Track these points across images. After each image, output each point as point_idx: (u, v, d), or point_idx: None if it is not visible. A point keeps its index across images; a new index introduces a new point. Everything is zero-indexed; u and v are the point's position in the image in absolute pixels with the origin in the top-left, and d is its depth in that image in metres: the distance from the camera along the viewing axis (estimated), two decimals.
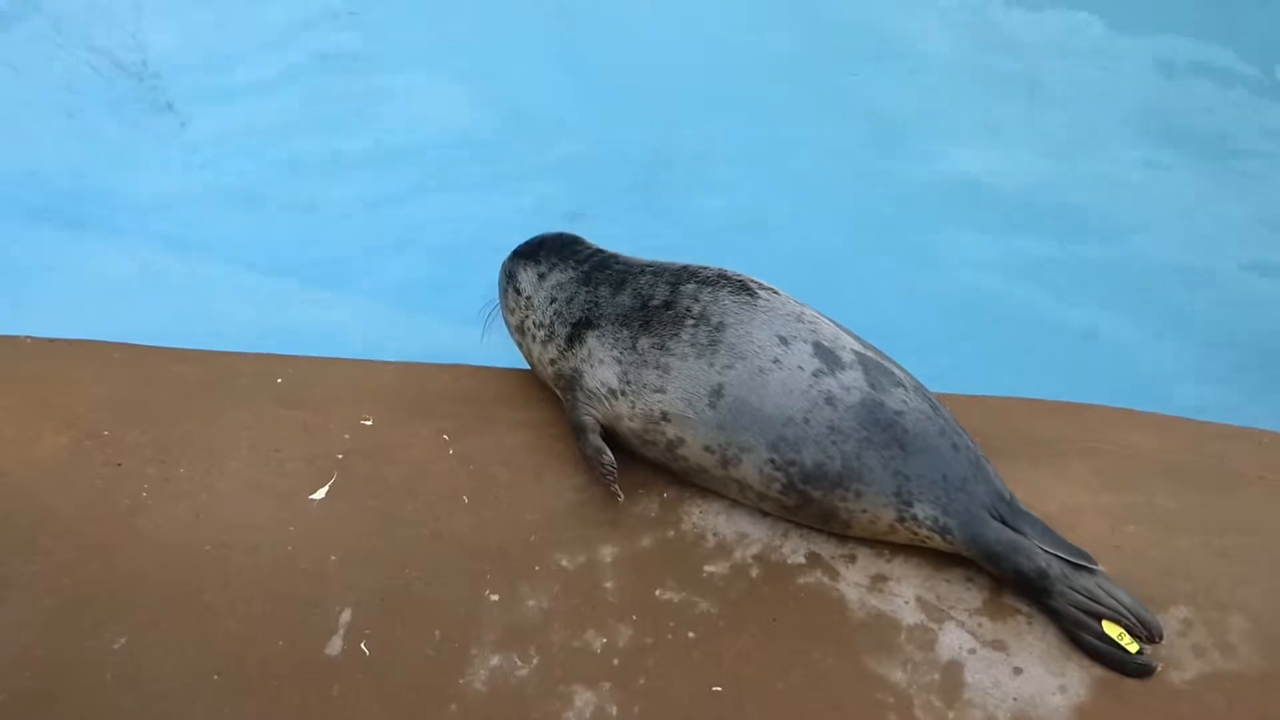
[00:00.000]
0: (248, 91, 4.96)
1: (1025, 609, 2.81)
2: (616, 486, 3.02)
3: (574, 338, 3.16)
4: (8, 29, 5.15)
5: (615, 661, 2.75)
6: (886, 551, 2.95)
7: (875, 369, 2.94)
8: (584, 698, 2.69)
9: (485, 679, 2.73)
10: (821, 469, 2.85)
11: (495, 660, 2.76)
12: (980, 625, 2.79)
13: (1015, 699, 2.64)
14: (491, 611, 2.86)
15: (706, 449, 2.96)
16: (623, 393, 3.05)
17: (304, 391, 3.45)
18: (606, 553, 2.98)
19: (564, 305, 3.21)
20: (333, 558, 2.99)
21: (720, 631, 2.80)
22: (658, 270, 3.18)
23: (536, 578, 2.93)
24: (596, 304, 3.16)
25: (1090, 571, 2.76)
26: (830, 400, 2.87)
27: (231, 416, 3.34)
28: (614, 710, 2.66)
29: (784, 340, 2.94)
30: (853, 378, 2.90)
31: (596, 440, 3.08)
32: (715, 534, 3.02)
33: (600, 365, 3.08)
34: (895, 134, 5.15)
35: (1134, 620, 2.67)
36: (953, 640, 2.76)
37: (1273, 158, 5.12)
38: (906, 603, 2.84)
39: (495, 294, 3.50)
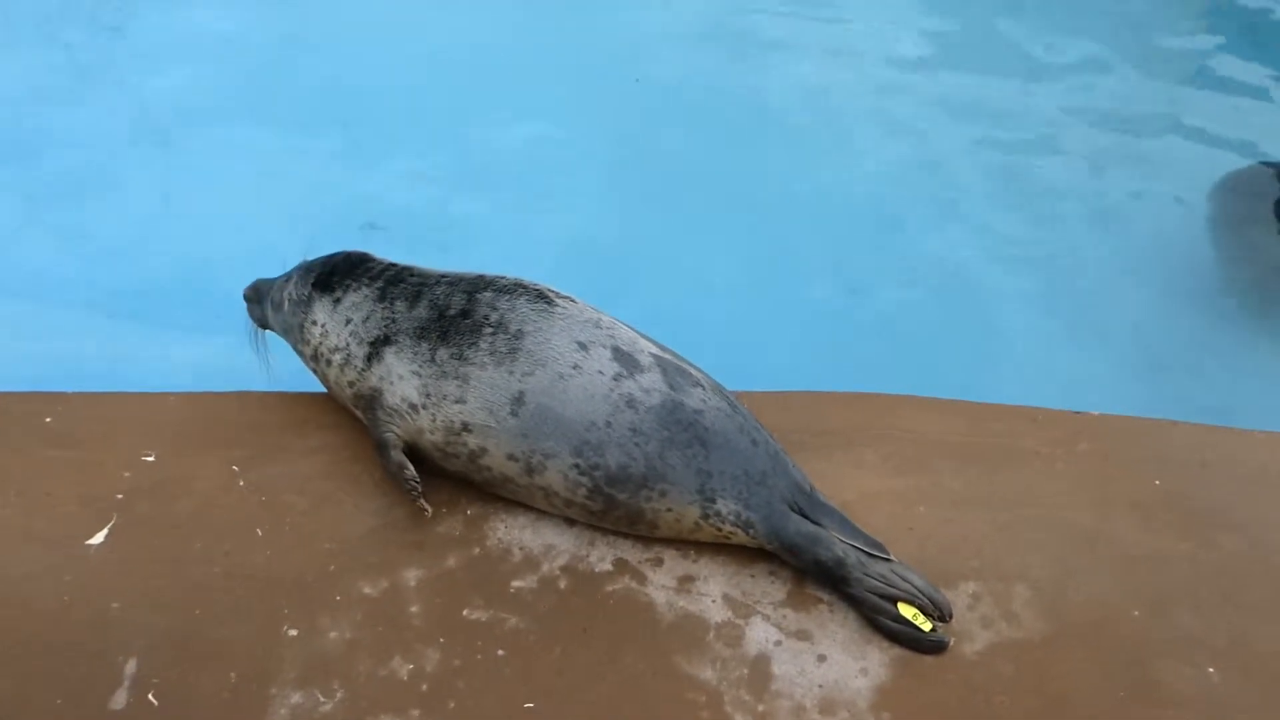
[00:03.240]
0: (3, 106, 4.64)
1: (827, 598, 2.89)
2: (423, 501, 2.95)
3: (372, 356, 3.07)
4: None
5: (424, 687, 2.68)
6: (693, 552, 2.98)
7: (673, 370, 2.97)
8: None
9: (286, 718, 2.61)
10: (626, 471, 2.86)
11: (296, 698, 2.65)
12: (785, 617, 2.85)
13: (820, 685, 2.71)
14: (291, 647, 2.74)
15: (510, 457, 2.93)
16: (424, 406, 2.99)
17: (77, 429, 3.23)
18: (411, 576, 2.91)
19: (360, 325, 3.12)
20: (115, 605, 2.80)
21: (530, 647, 2.76)
22: (454, 280, 3.13)
23: (338, 608, 2.83)
24: (393, 319, 3.08)
25: (885, 559, 2.86)
26: (631, 403, 2.88)
27: None
28: None
29: (583, 346, 2.94)
30: (652, 379, 2.92)
31: (398, 456, 3.00)
32: (522, 548, 2.98)
33: (400, 381, 3.01)
34: (690, 133, 5.23)
35: (926, 600, 2.78)
36: (759, 634, 2.80)
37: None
38: (714, 601, 2.87)
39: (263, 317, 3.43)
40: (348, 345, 3.12)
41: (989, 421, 3.47)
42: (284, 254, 3.42)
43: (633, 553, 2.98)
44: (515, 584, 2.90)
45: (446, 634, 2.78)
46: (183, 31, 5.26)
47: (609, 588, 2.90)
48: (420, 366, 3.00)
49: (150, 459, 3.15)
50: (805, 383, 3.64)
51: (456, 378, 2.95)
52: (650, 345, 3.05)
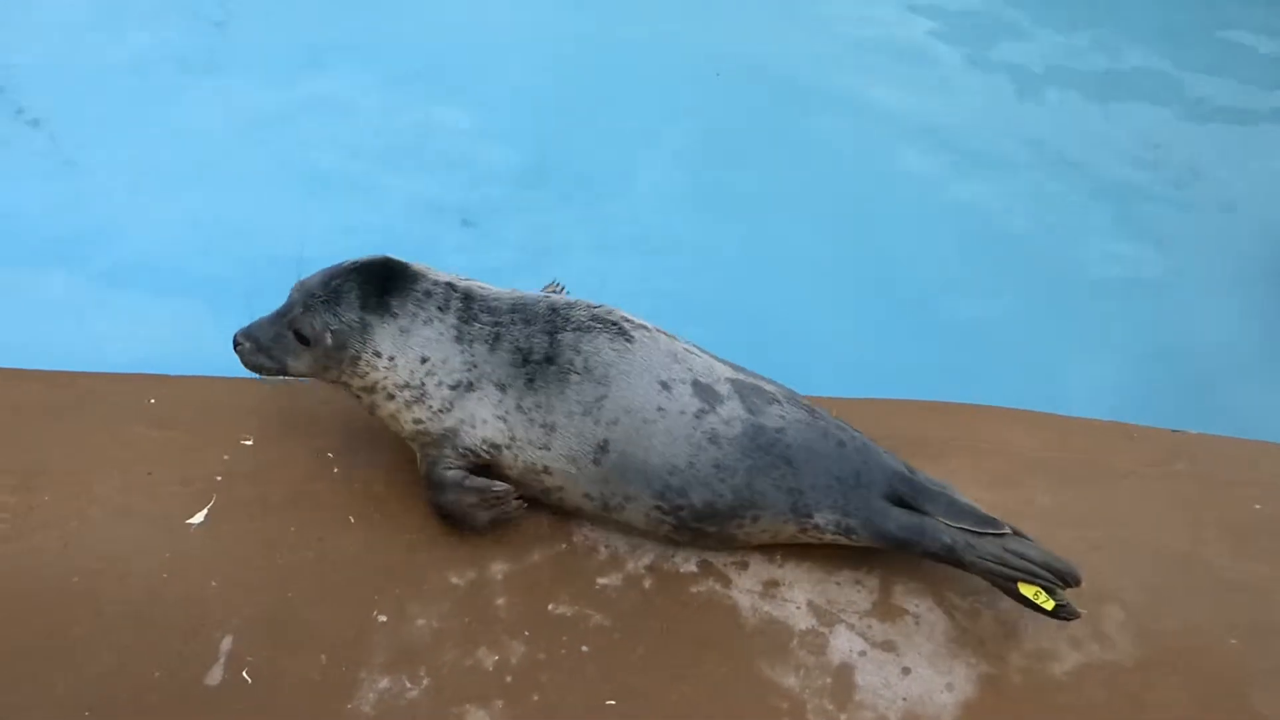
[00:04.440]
0: (112, 99, 4.76)
1: (913, 609, 2.86)
2: (515, 502, 2.93)
3: (454, 400, 2.93)
4: None
5: (508, 679, 2.71)
6: (778, 557, 2.97)
7: (750, 392, 2.91)
8: (476, 717, 2.64)
9: (374, 702, 2.66)
10: (712, 507, 2.83)
11: (384, 682, 2.69)
12: (870, 627, 2.83)
13: (905, 699, 2.68)
14: (380, 633, 2.79)
15: (586, 496, 2.92)
16: (507, 448, 2.93)
17: (178, 411, 3.32)
18: (497, 569, 2.94)
19: (439, 366, 2.91)
20: (213, 583, 2.88)
21: (614, 644, 2.78)
22: (528, 316, 2.95)
23: (426, 596, 2.87)
24: (475, 364, 2.91)
25: (997, 534, 2.77)
26: (714, 439, 2.82)
27: (99, 440, 3.20)
28: None
29: (665, 385, 2.87)
30: (732, 409, 2.86)
31: (474, 481, 2.92)
32: (608, 545, 3.00)
33: (483, 425, 2.91)
34: (773, 134, 5.19)
35: (1048, 575, 2.70)
36: (843, 643, 2.79)
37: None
38: (798, 608, 2.86)
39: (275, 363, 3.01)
40: (423, 385, 2.92)
41: (1081, 436, 3.41)
42: (385, 246, 3.44)
43: (718, 555, 2.97)
44: (600, 581, 2.92)
45: (531, 628, 2.81)
46: (277, 19, 5.37)
47: (693, 589, 2.90)
48: (506, 413, 2.90)
49: (248, 443, 3.23)
50: (889, 390, 3.61)
51: (544, 426, 2.88)
52: (724, 368, 2.97)
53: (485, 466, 2.99)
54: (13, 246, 4.05)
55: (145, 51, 5.04)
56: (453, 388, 2.91)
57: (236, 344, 2.99)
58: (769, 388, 2.96)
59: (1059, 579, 2.70)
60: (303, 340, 2.94)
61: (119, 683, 2.68)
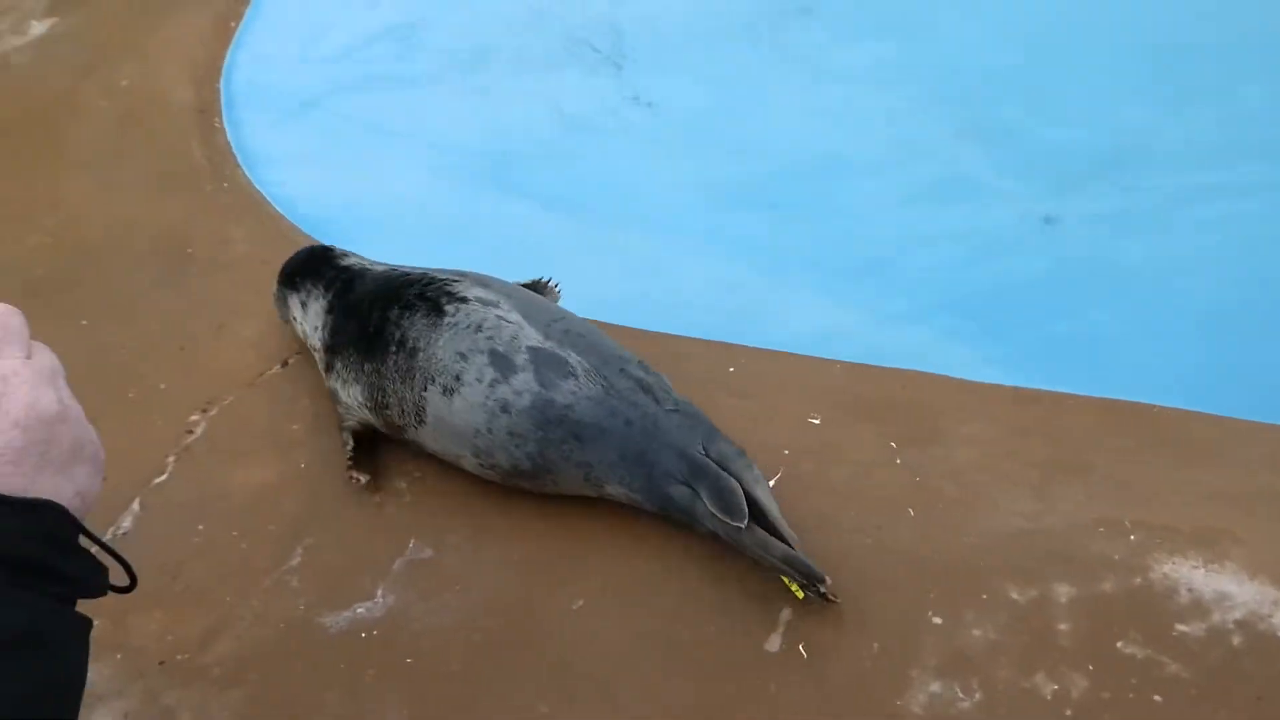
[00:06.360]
0: (712, 83, 5.08)
1: None
2: (355, 473, 3.25)
3: (329, 364, 3.40)
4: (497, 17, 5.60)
5: (1067, 712, 2.57)
6: None
7: (547, 364, 3.00)
8: None
9: (924, 704, 2.64)
10: (517, 467, 3.04)
11: (935, 686, 2.67)
12: None
13: None
14: (933, 634, 2.76)
15: (435, 453, 3.22)
16: (371, 408, 3.27)
17: (754, 382, 3.49)
18: (1061, 591, 2.79)
19: (320, 331, 3.45)
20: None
21: (1192, 700, 2.53)
22: (375, 296, 3.32)
23: (983, 606, 2.80)
24: (336, 331, 3.37)
25: (740, 528, 2.78)
26: (505, 408, 2.99)
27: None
28: None
29: (463, 356, 3.05)
30: (524, 380, 2.99)
31: (345, 436, 3.35)
32: (1190, 589, 2.74)
33: (350, 385, 3.31)
34: None
35: (790, 571, 2.77)
36: None
37: None
38: None
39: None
40: (316, 347, 3.48)
41: None
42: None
43: None
44: (1179, 627, 2.67)
45: (1096, 662, 2.64)
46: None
47: None
48: (357, 375, 3.28)
49: (815, 422, 3.32)
50: None
51: (380, 389, 3.21)
52: (534, 337, 3.06)
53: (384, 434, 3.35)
54: (616, 213, 4.49)
55: (741, 42, 5.32)
56: (327, 350, 3.40)
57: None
58: (571, 360, 3.01)
59: (803, 577, 2.75)
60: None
61: (686, 629, 2.87)
